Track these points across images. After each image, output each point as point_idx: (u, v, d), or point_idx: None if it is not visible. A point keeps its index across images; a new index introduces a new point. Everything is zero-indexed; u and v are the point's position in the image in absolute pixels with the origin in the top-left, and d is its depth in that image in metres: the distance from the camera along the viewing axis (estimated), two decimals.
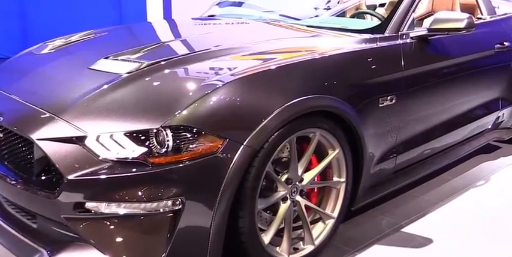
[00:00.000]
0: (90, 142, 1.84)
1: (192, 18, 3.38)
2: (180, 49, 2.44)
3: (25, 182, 1.97)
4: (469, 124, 3.24)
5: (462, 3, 3.63)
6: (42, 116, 1.97)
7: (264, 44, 2.45)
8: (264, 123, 1.93)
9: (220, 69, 2.11)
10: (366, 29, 2.71)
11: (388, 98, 2.48)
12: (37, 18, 6.86)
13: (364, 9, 3.64)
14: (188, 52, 2.27)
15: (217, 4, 3.64)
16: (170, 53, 2.29)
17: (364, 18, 3.41)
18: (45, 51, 2.69)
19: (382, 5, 3.98)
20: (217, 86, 1.92)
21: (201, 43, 2.54)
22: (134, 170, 1.80)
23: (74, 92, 2.05)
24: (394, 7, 2.78)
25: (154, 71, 2.08)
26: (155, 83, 2.04)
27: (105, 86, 2.01)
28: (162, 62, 2.14)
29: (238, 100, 1.94)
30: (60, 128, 1.89)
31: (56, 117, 1.93)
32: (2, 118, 2.09)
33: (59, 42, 2.83)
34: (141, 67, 2.11)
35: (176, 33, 2.99)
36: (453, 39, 2.92)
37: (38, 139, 1.88)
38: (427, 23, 3.30)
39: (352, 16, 3.36)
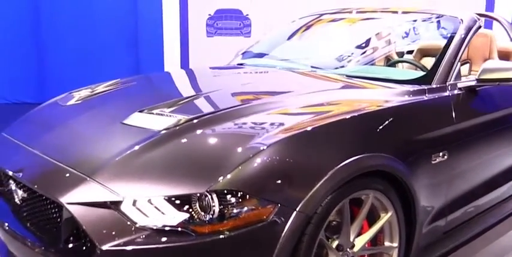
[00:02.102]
0: (126, 207, 1.65)
1: (222, 68, 3.24)
2: (219, 102, 2.27)
3: (50, 248, 1.77)
4: None
5: (500, 51, 3.49)
6: (71, 176, 1.79)
7: (307, 96, 2.28)
8: (317, 186, 1.74)
9: (266, 126, 1.93)
10: (411, 79, 2.55)
11: (441, 154, 2.29)
12: (54, 63, 6.82)
13: (397, 58, 3.50)
14: (228, 106, 2.08)
15: (242, 53, 3.50)
16: (208, 107, 2.14)
17: (395, 67, 3.28)
18: (72, 102, 2.53)
19: (410, 52, 3.86)
20: (264, 147, 1.74)
21: (240, 96, 2.38)
22: (177, 240, 1.60)
23: (107, 150, 1.87)
24: (439, 56, 2.64)
25: (194, 128, 1.90)
26: (196, 142, 1.86)
27: (142, 144, 1.83)
28: (202, 118, 1.97)
29: (288, 161, 1.76)
30: (92, 190, 1.71)
31: (88, 179, 1.74)
32: (21, 174, 1.92)
33: (85, 92, 2.67)
34: (180, 123, 1.93)
35: (210, 84, 2.82)
36: (501, 89, 2.75)
37: (68, 203, 1.69)
38: (464, 70, 3.16)
39: (387, 65, 3.21)
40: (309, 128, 1.87)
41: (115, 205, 1.66)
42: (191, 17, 6.85)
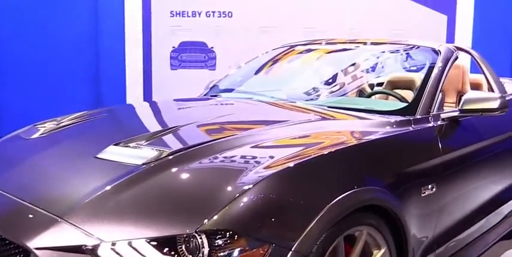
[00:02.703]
0: (104, 251, 1.48)
1: (194, 99, 3.11)
2: (199, 135, 2.13)
3: None
4: (499, 208, 2.99)
5: (471, 82, 3.50)
6: (40, 217, 1.61)
7: (289, 128, 2.17)
8: (312, 224, 1.61)
9: (251, 161, 1.79)
10: (393, 110, 2.49)
11: (429, 186, 2.21)
12: (10, 95, 6.52)
13: (369, 89, 3.46)
14: (210, 139, 1.94)
15: (212, 86, 3.38)
16: (189, 140, 2.00)
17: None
18: (36, 135, 2.33)
19: (379, 85, 3.84)
20: (251, 185, 1.60)
21: (220, 128, 2.24)
22: None
23: (80, 188, 1.69)
24: (420, 87, 2.61)
25: (177, 163, 1.75)
26: (180, 179, 1.71)
27: (120, 181, 1.66)
28: (184, 152, 1.82)
29: (279, 199, 1.63)
30: (65, 233, 1.53)
31: (59, 220, 1.56)
32: None
33: (50, 125, 2.48)
34: (161, 157, 1.77)
35: (185, 116, 2.66)
36: (482, 119, 2.72)
37: (36, 248, 1.50)
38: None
39: (365, 97, 3.16)
40: (297, 163, 1.75)
41: (91, 249, 1.48)
42: (155, 49, 6.72)
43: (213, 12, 6.66)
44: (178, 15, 6.66)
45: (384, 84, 3.54)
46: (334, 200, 1.69)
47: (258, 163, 1.73)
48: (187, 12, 6.66)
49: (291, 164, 1.72)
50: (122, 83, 6.71)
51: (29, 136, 2.34)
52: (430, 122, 2.43)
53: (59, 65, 6.52)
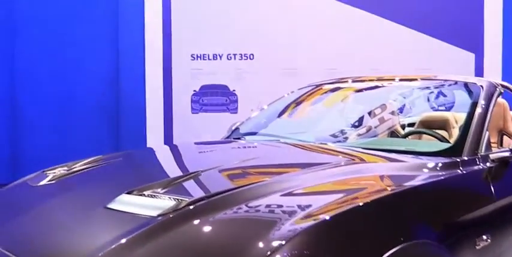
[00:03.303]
0: None
1: (214, 143, 2.90)
2: (222, 182, 1.90)
3: None
4: None
5: None
6: None
7: (324, 173, 1.91)
8: None
9: (285, 210, 1.55)
10: (436, 151, 2.24)
11: (484, 237, 1.93)
12: (28, 140, 6.40)
13: (401, 130, 3.23)
14: (234, 186, 1.70)
15: (236, 127, 3.18)
16: (211, 187, 1.76)
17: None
18: (44, 182, 2.12)
19: (411, 125, 3.61)
20: (288, 239, 1.36)
21: (245, 173, 2.01)
22: None
23: (87, 243, 1.47)
24: (465, 125, 2.36)
25: (199, 214, 1.50)
26: (203, 231, 1.47)
27: (132, 235, 1.42)
28: (206, 200, 1.58)
29: (323, 253, 1.38)
30: None
31: None
32: None
33: (60, 170, 2.28)
34: (180, 207, 1.54)
35: (205, 160, 2.45)
36: None
37: None
38: None
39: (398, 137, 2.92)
40: (334, 215, 1.49)
41: None
42: (175, 92, 6.62)
43: (234, 54, 6.58)
44: (199, 58, 6.59)
45: (416, 124, 3.31)
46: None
47: (290, 214, 1.48)
48: (208, 55, 6.59)
49: (327, 217, 1.47)
50: (142, 127, 6.58)
51: (36, 183, 2.13)
52: (478, 164, 2.17)
53: (78, 108, 6.44)
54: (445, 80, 2.91)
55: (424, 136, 2.90)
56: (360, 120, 3.11)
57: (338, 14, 6.39)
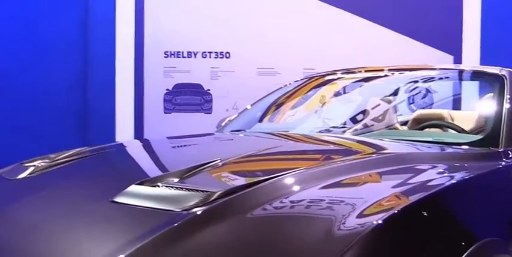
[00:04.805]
0: None
1: (202, 135, 2.58)
2: (249, 172, 1.60)
3: None
4: None
5: None
6: None
7: (366, 161, 1.65)
8: None
9: (347, 200, 1.28)
10: (469, 142, 2.03)
11: None
12: None
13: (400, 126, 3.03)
14: (268, 177, 1.37)
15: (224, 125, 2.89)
16: (240, 178, 1.47)
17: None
18: (25, 175, 1.77)
19: (404, 124, 3.42)
20: (366, 228, 1.09)
21: (271, 162, 1.72)
22: None
23: (95, 246, 1.15)
24: (496, 116, 2.16)
25: (236, 208, 1.21)
26: (250, 229, 1.18)
27: (160, 233, 1.12)
28: (239, 193, 1.28)
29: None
30: None
31: None
32: None
33: (41, 163, 1.92)
34: (211, 199, 1.25)
35: (220, 150, 2.10)
36: None
37: None
38: None
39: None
40: (404, 207, 1.23)
41: None
42: (147, 91, 6.28)
43: (210, 52, 6.30)
44: (172, 56, 6.28)
45: (409, 122, 3.11)
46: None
47: (351, 207, 1.21)
48: (183, 52, 6.29)
49: (396, 211, 1.20)
50: (111, 127, 6.21)
51: (14, 176, 1.78)
52: None
53: (42, 108, 6.03)
54: (464, 70, 2.71)
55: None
56: (366, 112, 2.88)
57: (317, 14, 6.22)
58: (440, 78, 2.85)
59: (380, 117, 2.82)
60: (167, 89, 6.30)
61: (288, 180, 1.35)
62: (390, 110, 2.90)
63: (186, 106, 6.34)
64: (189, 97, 6.35)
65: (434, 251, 1.18)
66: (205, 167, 1.51)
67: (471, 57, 6.23)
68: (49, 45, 6.03)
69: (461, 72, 2.75)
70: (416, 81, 3.05)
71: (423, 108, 3.69)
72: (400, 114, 3.51)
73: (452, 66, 2.83)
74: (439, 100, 3.13)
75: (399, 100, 3.18)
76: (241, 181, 1.40)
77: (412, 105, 3.95)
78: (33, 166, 1.88)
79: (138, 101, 6.27)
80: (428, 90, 4.04)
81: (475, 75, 2.70)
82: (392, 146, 1.96)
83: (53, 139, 5.86)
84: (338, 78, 3.01)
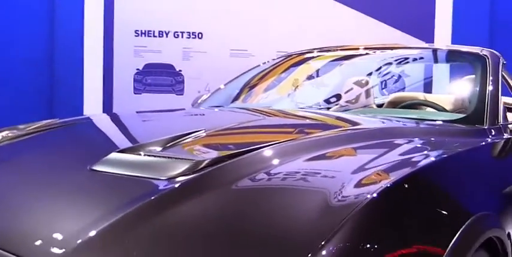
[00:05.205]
0: None
1: (177, 110, 2.50)
2: (236, 141, 1.53)
3: None
4: None
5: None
6: None
7: (354, 134, 1.61)
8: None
9: (342, 170, 1.24)
10: (454, 120, 2.01)
11: None
12: None
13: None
14: (256, 146, 1.29)
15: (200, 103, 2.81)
16: (227, 147, 1.40)
17: None
18: None
19: (379, 106, 3.40)
20: (364, 199, 1.03)
21: (257, 133, 1.66)
22: None
23: (78, 215, 1.07)
24: (479, 95, 2.15)
25: (228, 176, 1.14)
26: (240, 198, 1.11)
27: (145, 201, 1.04)
28: (229, 160, 1.21)
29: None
30: None
31: None
32: None
33: (8, 133, 1.80)
34: (199, 168, 1.17)
35: (201, 121, 2.03)
36: None
37: None
38: None
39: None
40: (402, 177, 1.18)
41: None
42: (116, 71, 6.11)
43: (182, 32, 6.16)
44: (143, 35, 6.11)
45: (385, 104, 3.09)
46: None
47: (346, 177, 1.15)
48: (154, 31, 6.13)
49: (393, 181, 1.15)
50: (79, 107, 6.02)
51: None
52: (502, 133, 1.96)
53: (10, 86, 5.81)
54: (445, 49, 2.69)
55: None
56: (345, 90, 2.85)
57: None
58: (421, 58, 2.83)
59: (355, 99, 2.79)
60: (137, 69, 6.14)
61: (278, 150, 1.29)
62: (367, 91, 2.86)
63: (156, 87, 6.21)
64: (160, 78, 6.22)
65: (430, 223, 1.14)
66: (189, 137, 1.43)
67: (443, 43, 6.30)
68: (16, 21, 5.81)
69: (441, 51, 2.74)
70: (391, 63, 3.03)
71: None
72: (376, 97, 3.50)
73: (432, 45, 2.81)
74: (419, 81, 3.11)
75: (373, 83, 3.15)
76: (228, 150, 1.32)
77: (384, 90, 3.95)
78: (0, 136, 1.77)
79: (108, 81, 6.10)
80: (400, 76, 4.04)
81: (455, 54, 2.68)
82: (377, 122, 1.92)
83: (17, 115, 5.67)
84: (317, 56, 2.96)
